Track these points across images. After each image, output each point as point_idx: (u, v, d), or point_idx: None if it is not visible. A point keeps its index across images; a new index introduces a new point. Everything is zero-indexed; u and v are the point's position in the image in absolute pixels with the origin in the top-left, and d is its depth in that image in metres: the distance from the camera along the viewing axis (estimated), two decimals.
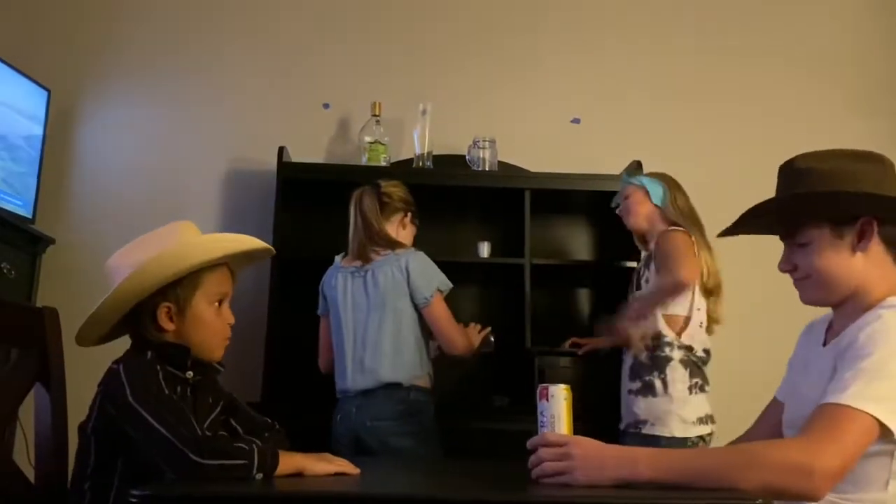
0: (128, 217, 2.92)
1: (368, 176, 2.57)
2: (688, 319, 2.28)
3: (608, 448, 1.20)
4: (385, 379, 2.20)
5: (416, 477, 1.52)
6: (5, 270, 2.54)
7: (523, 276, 2.76)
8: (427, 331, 2.30)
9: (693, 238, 2.30)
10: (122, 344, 1.43)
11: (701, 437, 2.23)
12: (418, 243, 2.45)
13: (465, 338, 2.34)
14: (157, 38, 3.18)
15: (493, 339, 2.50)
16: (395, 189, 2.39)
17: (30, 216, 2.74)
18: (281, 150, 2.80)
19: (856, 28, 3.44)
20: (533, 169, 2.98)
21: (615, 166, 2.65)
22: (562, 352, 2.69)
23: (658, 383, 2.25)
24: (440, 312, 2.26)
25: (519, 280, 2.77)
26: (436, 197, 2.82)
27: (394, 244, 2.30)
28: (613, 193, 2.56)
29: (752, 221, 1.40)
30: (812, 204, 1.32)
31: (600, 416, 2.42)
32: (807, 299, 1.40)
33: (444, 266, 2.35)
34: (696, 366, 2.27)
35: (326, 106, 3.17)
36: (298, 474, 1.24)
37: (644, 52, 3.31)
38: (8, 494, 1.36)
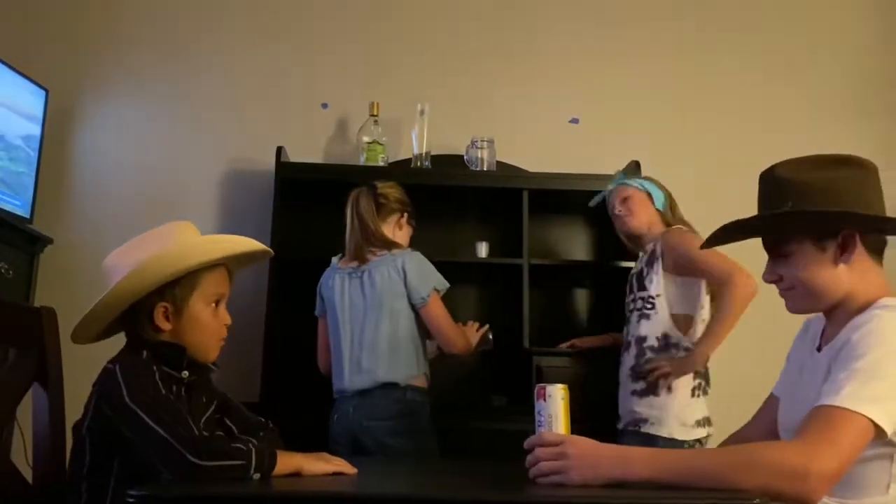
0: (126, 217, 2.92)
1: (367, 176, 2.57)
2: (694, 319, 2.30)
3: (604, 448, 1.20)
4: (382, 379, 2.20)
5: (413, 477, 1.52)
6: (3, 270, 2.54)
7: (521, 276, 2.76)
8: (424, 331, 2.31)
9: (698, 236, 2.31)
10: (119, 342, 1.43)
11: (698, 440, 2.23)
12: (416, 243, 2.45)
13: (463, 337, 2.34)
14: (156, 39, 3.18)
15: (491, 336, 2.51)
16: (391, 190, 2.39)
17: (28, 216, 2.74)
18: (279, 150, 2.81)
19: (851, 29, 3.44)
20: (531, 169, 2.98)
21: (613, 166, 2.65)
22: (560, 352, 2.70)
23: (661, 383, 2.24)
24: (437, 312, 2.27)
25: (517, 280, 2.78)
26: (434, 197, 2.83)
27: (390, 245, 2.30)
28: None
29: (734, 234, 1.40)
30: (792, 221, 1.32)
31: (599, 415, 2.42)
32: (794, 309, 1.40)
33: (442, 266, 2.35)
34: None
35: (325, 106, 3.17)
36: (296, 474, 1.24)
37: (643, 52, 3.32)
38: (5, 494, 1.36)
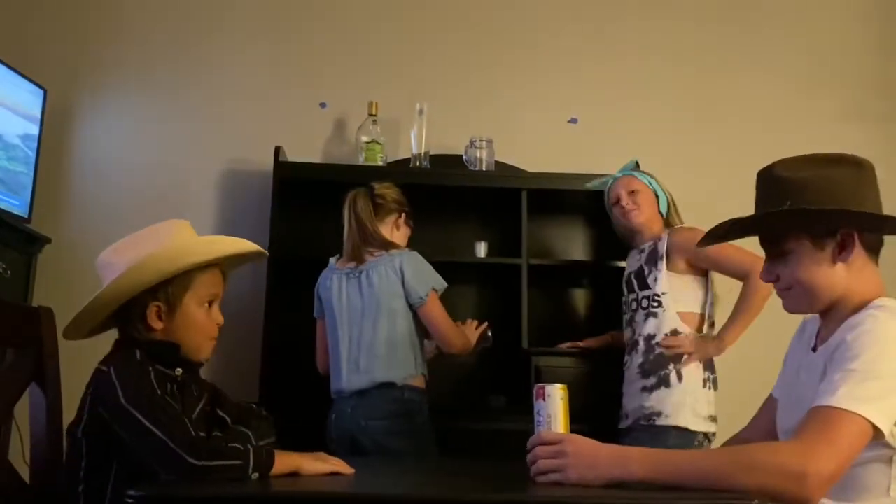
0: (124, 217, 2.92)
1: (365, 176, 2.57)
2: (703, 316, 2.34)
3: (602, 447, 1.20)
4: (379, 379, 2.20)
5: (410, 477, 1.52)
6: (1, 270, 2.54)
7: (520, 276, 2.76)
8: (423, 331, 2.31)
9: None
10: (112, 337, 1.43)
11: (706, 436, 2.26)
12: (415, 243, 2.45)
13: (461, 336, 2.34)
14: (154, 38, 3.17)
15: (490, 334, 2.50)
16: (388, 190, 2.39)
17: (26, 215, 2.74)
18: (277, 150, 2.80)
19: (851, 30, 3.44)
20: (530, 169, 2.98)
21: (612, 166, 2.65)
22: (559, 351, 2.70)
23: (673, 375, 2.27)
24: (435, 312, 2.26)
25: (516, 280, 2.78)
26: (432, 197, 2.83)
27: (388, 245, 2.30)
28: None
29: (732, 232, 1.40)
30: (792, 220, 1.32)
31: (599, 415, 2.42)
32: (791, 308, 1.40)
33: (441, 266, 2.35)
34: (709, 360, 2.32)
35: (323, 105, 3.16)
36: (294, 474, 1.24)
37: (641, 52, 3.31)
38: (3, 493, 1.36)
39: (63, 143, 3.06)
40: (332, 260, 2.41)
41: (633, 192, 2.44)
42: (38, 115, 2.83)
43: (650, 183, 2.46)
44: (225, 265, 1.47)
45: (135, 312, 1.36)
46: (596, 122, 3.23)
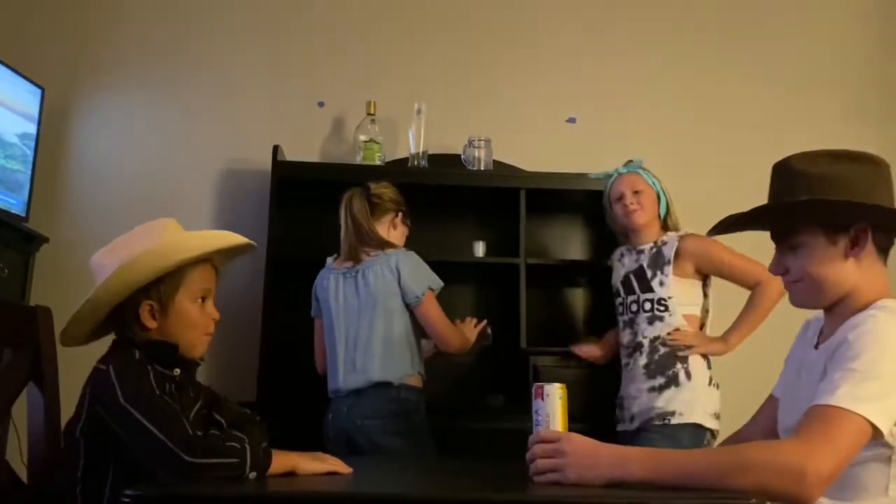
0: (122, 216, 2.91)
1: (363, 175, 2.56)
2: (698, 318, 2.38)
3: (602, 447, 1.19)
4: (375, 378, 2.20)
5: (407, 476, 1.51)
6: None
7: (518, 276, 2.76)
8: (419, 330, 2.30)
9: None
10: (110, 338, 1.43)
11: (712, 433, 2.28)
12: (414, 243, 2.45)
13: (458, 335, 2.34)
14: (152, 37, 3.17)
15: (490, 331, 2.50)
16: (385, 190, 2.39)
17: (23, 214, 2.73)
18: (275, 149, 2.80)
19: (851, 31, 3.44)
20: (528, 168, 2.98)
21: (610, 166, 2.64)
22: (557, 351, 2.70)
23: (682, 374, 2.29)
24: (432, 311, 2.26)
25: (514, 279, 2.78)
26: (431, 196, 2.83)
27: (384, 244, 2.30)
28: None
29: (745, 223, 1.40)
30: (808, 211, 1.32)
31: (598, 415, 2.43)
32: (798, 302, 1.40)
33: (439, 265, 2.35)
34: (709, 360, 2.35)
35: (321, 104, 3.16)
36: (291, 473, 1.24)
37: (640, 51, 3.31)
38: (0, 493, 1.36)
39: (61, 142, 3.06)
40: (329, 260, 2.41)
41: (637, 191, 2.44)
42: (36, 114, 2.82)
43: (654, 184, 2.47)
44: (216, 260, 1.47)
45: (128, 313, 1.36)
46: (594, 122, 3.23)
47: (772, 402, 1.53)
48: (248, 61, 3.17)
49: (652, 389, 2.30)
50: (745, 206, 1.39)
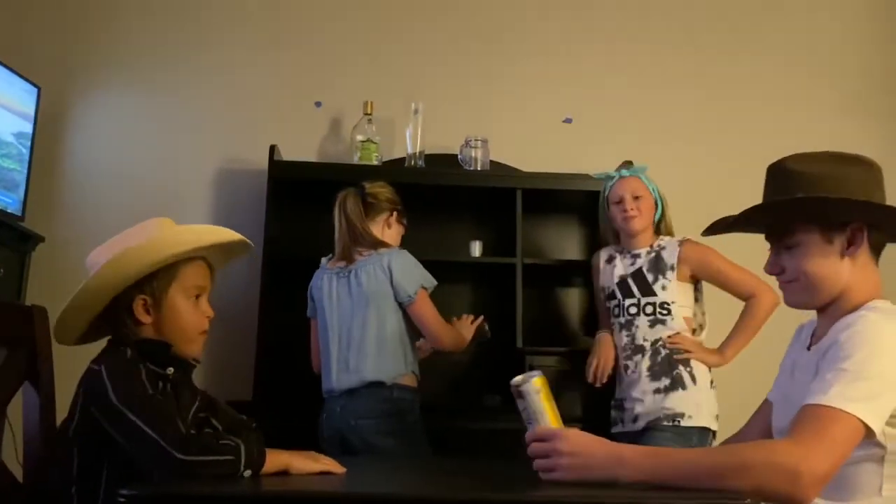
0: (118, 215, 2.87)
1: (360, 175, 2.56)
2: (692, 321, 2.41)
3: (598, 446, 1.19)
4: (368, 378, 2.20)
5: (401, 476, 1.51)
6: None
7: (515, 276, 2.76)
8: (413, 329, 2.30)
9: None
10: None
11: (713, 434, 2.30)
12: (410, 242, 2.45)
13: (453, 333, 2.33)
14: (149, 36, 3.16)
15: (487, 327, 2.50)
16: (380, 189, 2.39)
17: (19, 214, 2.73)
18: (272, 149, 2.80)
19: (852, 28, 3.44)
20: (525, 168, 2.98)
21: (607, 166, 2.65)
22: (553, 351, 2.70)
23: (686, 377, 2.31)
24: (425, 310, 2.26)
25: (510, 279, 2.78)
26: (427, 196, 2.83)
27: (377, 244, 2.30)
28: None
29: (741, 223, 1.41)
30: (806, 208, 1.32)
31: (596, 415, 2.43)
32: (792, 302, 1.41)
33: (435, 265, 2.35)
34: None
35: (318, 104, 3.16)
36: (284, 472, 1.24)
37: (637, 51, 3.31)
38: None
39: (57, 141, 3.05)
40: (323, 260, 2.41)
41: (637, 197, 2.44)
42: (32, 113, 2.82)
43: (654, 191, 2.48)
44: (212, 259, 1.47)
45: (122, 308, 1.35)
46: (591, 122, 3.23)
47: (766, 406, 1.53)
48: (245, 61, 3.17)
49: (657, 391, 2.31)
50: (742, 206, 1.39)
